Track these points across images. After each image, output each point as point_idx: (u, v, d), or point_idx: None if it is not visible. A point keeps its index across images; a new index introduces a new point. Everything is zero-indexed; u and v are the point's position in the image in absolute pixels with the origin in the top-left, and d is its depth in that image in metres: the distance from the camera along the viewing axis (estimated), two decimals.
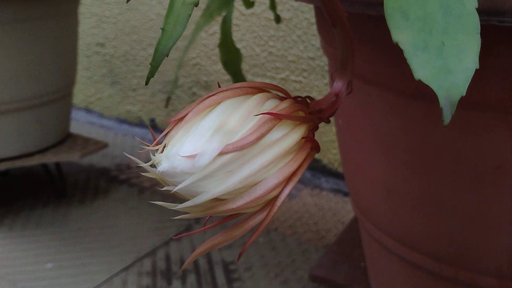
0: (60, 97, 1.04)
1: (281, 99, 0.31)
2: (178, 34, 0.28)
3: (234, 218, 0.30)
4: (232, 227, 0.28)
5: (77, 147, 1.06)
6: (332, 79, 0.61)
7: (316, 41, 1.08)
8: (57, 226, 1.03)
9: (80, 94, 1.54)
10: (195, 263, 0.91)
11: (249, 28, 1.16)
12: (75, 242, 0.98)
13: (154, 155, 0.26)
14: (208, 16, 0.82)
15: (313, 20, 1.07)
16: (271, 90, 0.31)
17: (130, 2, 1.34)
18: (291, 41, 1.11)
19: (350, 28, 0.38)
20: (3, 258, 0.93)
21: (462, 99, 0.27)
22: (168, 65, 1.34)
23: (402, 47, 0.25)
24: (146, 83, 0.28)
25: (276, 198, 0.28)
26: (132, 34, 1.38)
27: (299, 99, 0.34)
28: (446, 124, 0.24)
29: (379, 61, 0.46)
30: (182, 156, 0.25)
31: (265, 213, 0.28)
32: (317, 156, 1.15)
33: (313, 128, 0.34)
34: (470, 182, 0.44)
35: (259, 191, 0.26)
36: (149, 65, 0.27)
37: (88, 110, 1.57)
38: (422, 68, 0.24)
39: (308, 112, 0.34)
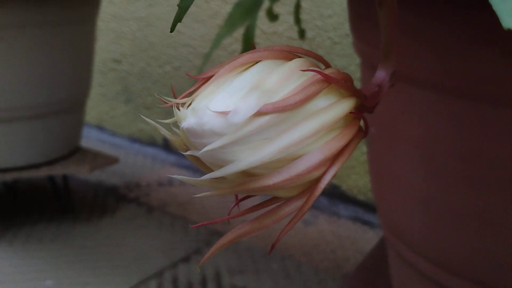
0: (72, 108, 1.00)
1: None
2: None
3: (263, 207, 0.25)
4: (264, 213, 0.23)
5: (86, 161, 1.02)
6: (363, 83, 0.56)
7: (340, 61, 1.04)
8: (60, 243, 0.97)
9: (93, 111, 1.51)
10: (204, 287, 0.85)
11: None
12: (78, 260, 0.92)
13: (179, 110, 0.21)
14: (230, 25, 0.78)
15: (337, 39, 1.04)
16: (312, 60, 0.27)
17: (148, 18, 1.32)
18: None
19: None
20: (1, 273, 0.87)
21: None
22: (184, 83, 1.30)
23: None
24: (172, 30, 0.23)
25: (318, 180, 0.23)
26: (150, 51, 1.35)
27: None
28: None
29: (423, 56, 0.41)
30: (212, 111, 0.20)
31: (304, 199, 0.23)
32: (335, 182, 1.09)
33: (360, 110, 0.30)
34: None
35: (300, 166, 0.22)
36: (176, 13, 0.23)
37: (100, 128, 1.53)
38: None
39: (359, 92, 0.29)
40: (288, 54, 0.25)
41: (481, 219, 0.42)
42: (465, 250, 0.44)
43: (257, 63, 0.23)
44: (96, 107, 1.51)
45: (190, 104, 0.22)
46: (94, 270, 0.90)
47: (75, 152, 1.05)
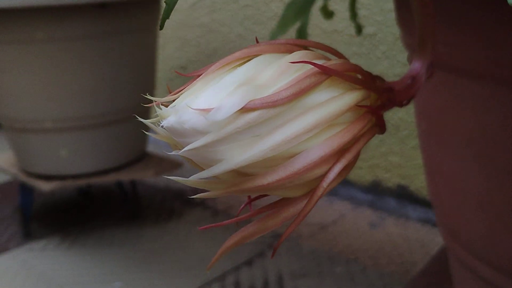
0: (137, 115, 1.03)
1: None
2: None
3: (273, 208, 0.24)
4: (267, 215, 0.22)
5: (152, 166, 1.05)
6: None
7: (403, 56, 1.00)
8: (128, 246, 1.00)
9: None
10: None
11: (331, 45, 1.10)
12: (146, 262, 0.95)
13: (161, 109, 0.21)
14: (282, 25, 0.78)
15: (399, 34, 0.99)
16: (322, 52, 0.25)
17: (211, 24, 1.34)
18: (375, 58, 1.04)
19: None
20: (73, 275, 0.91)
21: None
22: None
23: None
24: (161, 28, 0.23)
25: (321, 179, 0.21)
26: (213, 56, 1.37)
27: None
28: None
29: (469, 44, 0.38)
30: (193, 109, 0.19)
31: (306, 200, 0.22)
32: (403, 182, 1.05)
33: (380, 106, 0.28)
34: None
35: (297, 164, 0.20)
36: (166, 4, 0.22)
37: None
38: None
39: (374, 85, 0.27)
40: (292, 47, 0.24)
41: None
42: None
43: (253, 57, 0.22)
44: None
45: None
46: (161, 272, 0.92)
47: (141, 157, 1.08)
